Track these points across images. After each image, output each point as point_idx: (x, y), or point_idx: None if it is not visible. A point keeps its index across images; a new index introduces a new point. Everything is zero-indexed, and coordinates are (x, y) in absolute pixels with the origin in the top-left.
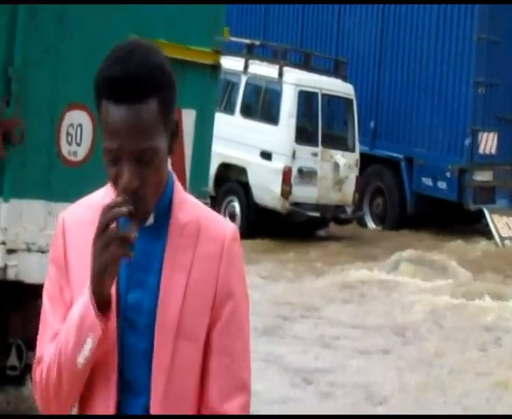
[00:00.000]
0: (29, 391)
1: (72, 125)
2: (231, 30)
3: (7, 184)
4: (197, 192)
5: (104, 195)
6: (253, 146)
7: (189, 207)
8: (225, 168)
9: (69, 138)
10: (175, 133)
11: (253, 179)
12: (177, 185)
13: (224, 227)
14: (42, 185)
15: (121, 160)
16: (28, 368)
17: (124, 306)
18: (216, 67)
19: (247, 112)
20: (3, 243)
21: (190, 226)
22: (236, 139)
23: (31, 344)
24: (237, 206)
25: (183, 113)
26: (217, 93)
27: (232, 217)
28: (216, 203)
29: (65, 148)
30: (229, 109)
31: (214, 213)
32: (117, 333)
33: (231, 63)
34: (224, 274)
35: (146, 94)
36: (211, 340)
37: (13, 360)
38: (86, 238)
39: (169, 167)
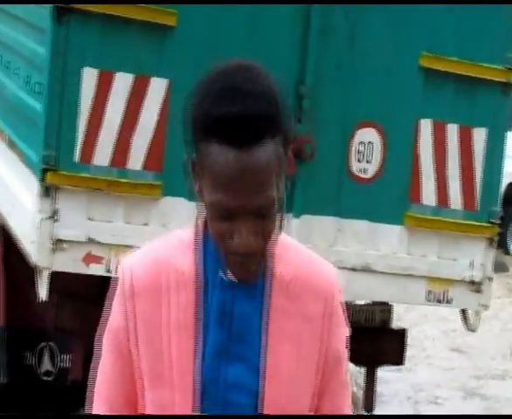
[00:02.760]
0: None
1: (362, 142)
2: None
3: (297, 200)
4: (487, 212)
5: (177, 251)
6: None
7: (289, 256)
8: None
9: (359, 155)
10: (283, 170)
11: None
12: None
13: (329, 278)
14: (331, 201)
15: (236, 216)
16: None
17: (224, 385)
18: (508, 85)
19: None
20: None
21: (295, 283)
22: None
23: None
24: None
25: (474, 131)
26: (508, 112)
27: None
28: (504, 224)
29: (355, 165)
30: None
31: (316, 258)
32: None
33: None
34: (330, 336)
35: (268, 132)
36: (319, 404)
37: None
38: (160, 309)
39: None
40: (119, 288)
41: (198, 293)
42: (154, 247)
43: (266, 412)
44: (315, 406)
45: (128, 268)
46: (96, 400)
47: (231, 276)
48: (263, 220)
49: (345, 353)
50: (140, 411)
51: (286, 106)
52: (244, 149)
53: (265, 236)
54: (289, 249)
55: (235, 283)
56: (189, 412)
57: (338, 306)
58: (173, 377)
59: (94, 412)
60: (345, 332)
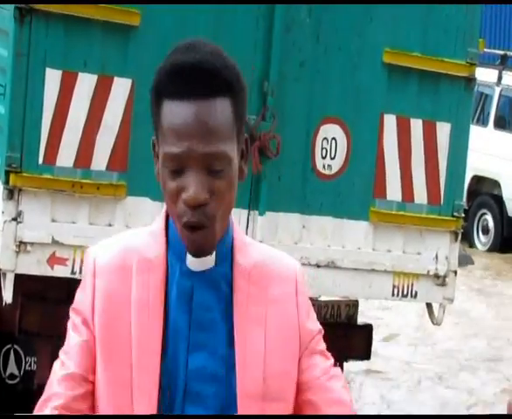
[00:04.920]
0: None
1: (326, 138)
2: (485, 40)
3: (263, 198)
4: (451, 206)
5: (146, 240)
6: (507, 158)
7: (250, 250)
8: (478, 181)
9: (323, 152)
10: (244, 154)
11: (507, 192)
12: (237, 225)
13: (291, 264)
14: (296, 198)
15: (186, 169)
16: None
17: (184, 376)
18: (471, 80)
19: (501, 124)
20: None
21: (256, 270)
22: (489, 151)
23: None
24: (490, 220)
25: (438, 125)
26: (471, 106)
27: (485, 231)
28: (468, 217)
29: (319, 162)
30: (482, 121)
31: (277, 251)
32: (167, 408)
33: (484, 74)
34: (303, 313)
35: (221, 90)
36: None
37: None
38: (121, 288)
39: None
40: (83, 272)
41: (163, 278)
42: (122, 236)
43: (239, 400)
44: (303, 385)
45: (91, 253)
46: (59, 367)
47: (190, 263)
48: (214, 176)
49: (318, 327)
50: (95, 386)
51: (241, 76)
52: (194, 99)
53: (216, 194)
54: (248, 243)
55: (195, 272)
56: (154, 396)
57: (306, 291)
58: (132, 357)
59: (54, 379)
60: (312, 310)
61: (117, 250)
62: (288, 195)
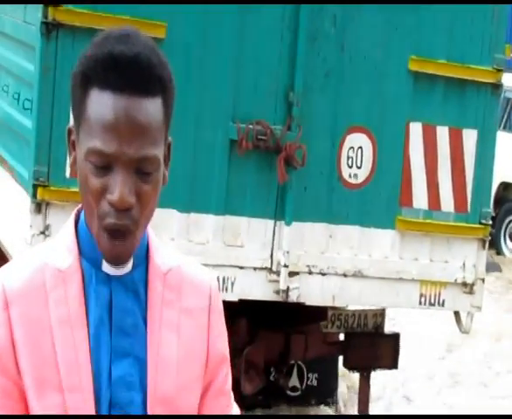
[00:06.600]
0: (306, 412)
1: (352, 148)
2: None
3: (289, 208)
4: (479, 213)
5: (56, 250)
6: None
7: (165, 253)
8: (505, 188)
9: (349, 161)
10: (166, 158)
11: None
12: (150, 228)
13: (206, 278)
14: (323, 208)
15: (113, 168)
16: (309, 390)
17: (109, 385)
18: (497, 86)
19: None
20: (286, 266)
21: (171, 275)
22: None
23: (312, 366)
24: None
25: (464, 132)
26: (498, 112)
27: None
28: (495, 224)
29: (345, 171)
30: (508, 127)
31: (192, 259)
32: None
33: (510, 79)
34: (215, 333)
35: (156, 89)
36: (201, 404)
37: (294, 380)
38: (39, 310)
39: None
40: None
41: (81, 288)
42: (31, 253)
43: (151, 405)
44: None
45: None
46: None
47: (106, 268)
48: (142, 180)
49: (228, 355)
50: None
51: (173, 76)
52: (128, 94)
53: (142, 199)
54: (164, 246)
55: (112, 277)
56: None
57: (221, 307)
58: (61, 379)
59: None
60: (226, 334)
61: (26, 270)
62: (314, 204)
